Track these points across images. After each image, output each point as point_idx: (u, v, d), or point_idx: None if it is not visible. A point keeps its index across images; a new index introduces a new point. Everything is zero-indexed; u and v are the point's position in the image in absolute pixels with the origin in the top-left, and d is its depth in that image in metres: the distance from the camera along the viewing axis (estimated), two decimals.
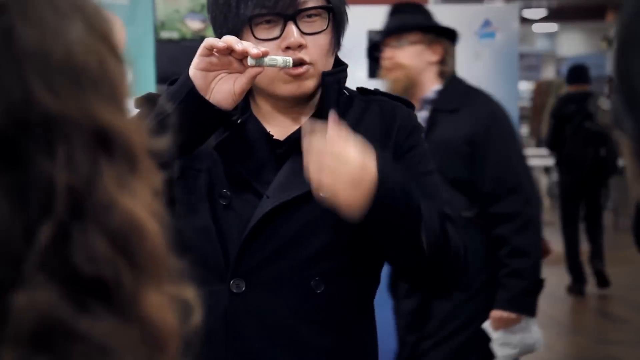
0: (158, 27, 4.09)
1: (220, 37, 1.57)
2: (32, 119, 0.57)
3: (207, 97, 1.51)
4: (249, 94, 1.68)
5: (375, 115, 1.70)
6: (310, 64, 1.59)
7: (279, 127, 1.67)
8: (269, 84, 1.62)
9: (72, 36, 0.60)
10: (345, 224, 1.59)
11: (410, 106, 1.76)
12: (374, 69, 3.97)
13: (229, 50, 1.49)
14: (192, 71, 1.51)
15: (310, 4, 1.58)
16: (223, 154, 1.63)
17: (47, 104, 0.58)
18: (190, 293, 0.70)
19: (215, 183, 1.63)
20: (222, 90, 1.51)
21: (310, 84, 1.61)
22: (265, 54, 1.48)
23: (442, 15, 4.05)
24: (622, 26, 0.62)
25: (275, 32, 1.58)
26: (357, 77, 3.94)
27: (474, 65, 3.95)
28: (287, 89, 1.60)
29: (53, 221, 0.57)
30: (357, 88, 1.78)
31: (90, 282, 0.58)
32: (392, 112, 1.72)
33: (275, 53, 1.56)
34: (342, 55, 3.92)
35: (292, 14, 1.57)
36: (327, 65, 1.64)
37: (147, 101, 1.56)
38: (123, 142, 0.61)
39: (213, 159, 1.64)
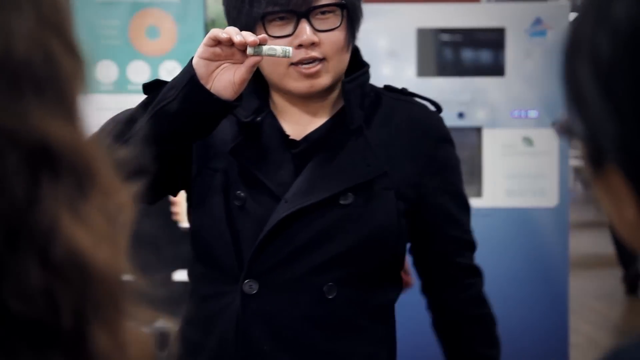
0: (209, 24, 4.12)
1: None
2: None
3: (208, 86, 1.50)
4: (267, 92, 1.68)
5: (403, 118, 1.69)
6: (323, 59, 1.58)
7: (296, 125, 1.66)
8: (280, 80, 1.61)
9: (16, 28, 0.53)
10: (361, 233, 1.60)
11: (439, 108, 1.75)
12: (424, 67, 3.96)
13: (232, 42, 1.48)
14: (196, 59, 1.51)
15: (323, 1, 1.57)
16: (238, 156, 1.63)
17: None
18: (164, 320, 0.60)
19: (231, 184, 1.63)
20: (223, 79, 1.50)
21: (323, 80, 1.60)
22: (263, 41, 1.48)
23: (493, 13, 4.02)
24: (568, 29, 0.64)
25: (288, 29, 1.57)
26: (406, 76, 3.93)
27: (524, 64, 3.92)
28: (300, 86, 1.60)
29: None
30: (385, 86, 1.77)
31: (23, 323, 0.50)
32: (420, 116, 1.71)
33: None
34: (392, 53, 3.91)
35: (305, 11, 1.56)
36: (342, 61, 1.62)
37: (155, 87, 1.57)
38: (71, 158, 0.53)
39: (229, 159, 1.64)
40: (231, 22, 1.62)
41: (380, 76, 3.89)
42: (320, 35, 1.57)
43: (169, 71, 3.96)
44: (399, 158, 1.65)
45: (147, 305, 0.58)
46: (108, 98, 3.99)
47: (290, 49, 1.50)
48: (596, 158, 0.62)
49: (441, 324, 1.77)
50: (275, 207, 1.60)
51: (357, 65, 1.70)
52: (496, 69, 3.97)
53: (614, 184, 0.62)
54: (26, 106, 0.52)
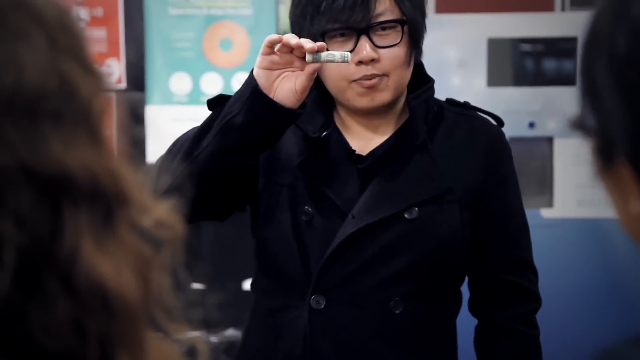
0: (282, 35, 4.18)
1: None
2: None
3: (270, 96, 1.51)
4: (333, 107, 1.69)
5: (465, 132, 1.69)
6: (383, 75, 1.59)
7: (361, 140, 1.68)
8: (342, 95, 1.62)
9: (26, 58, 0.52)
10: (427, 247, 1.61)
11: (501, 123, 1.75)
12: (494, 77, 3.95)
13: (290, 48, 1.50)
14: (256, 70, 1.53)
15: (383, 18, 1.58)
16: (305, 171, 1.65)
17: None
18: (193, 336, 0.60)
19: (298, 199, 1.65)
20: (285, 88, 1.52)
21: (385, 96, 1.61)
22: (321, 49, 1.48)
23: (566, 22, 3.99)
24: (587, 25, 0.65)
25: (349, 45, 1.58)
26: (477, 85, 3.93)
27: None
28: (361, 101, 1.61)
29: None
30: (447, 99, 1.77)
31: (51, 357, 0.51)
32: (482, 130, 1.70)
33: (348, 67, 1.56)
34: (462, 63, 3.92)
35: (364, 28, 1.57)
36: (404, 77, 1.62)
37: (219, 102, 1.59)
38: (91, 184, 0.53)
39: (295, 174, 1.65)
40: None
41: (450, 86, 3.90)
42: (381, 52, 1.58)
43: (242, 82, 4.01)
44: (462, 172, 1.66)
45: (179, 318, 0.58)
46: (182, 109, 4.07)
47: (348, 54, 1.51)
48: (606, 151, 0.64)
49: (481, 337, 1.75)
50: (341, 223, 1.62)
51: (422, 80, 1.70)
52: (568, 79, 3.94)
53: (622, 178, 0.63)
54: (43, 137, 0.52)
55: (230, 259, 4.13)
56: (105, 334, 0.53)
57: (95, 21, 4.12)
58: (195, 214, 1.60)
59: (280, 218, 1.65)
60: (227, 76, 4.13)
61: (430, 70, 3.90)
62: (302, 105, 1.55)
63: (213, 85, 4.12)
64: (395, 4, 1.59)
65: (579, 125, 0.67)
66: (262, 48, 1.52)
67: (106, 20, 4.13)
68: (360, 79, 1.58)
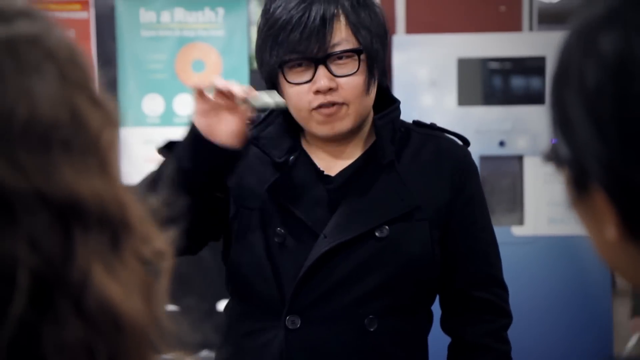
0: (252, 57, 4.20)
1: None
2: None
3: (213, 139, 1.55)
4: (300, 129, 1.71)
5: (432, 152, 1.71)
6: (343, 103, 1.61)
7: (329, 161, 1.70)
8: (305, 124, 1.65)
9: (39, 91, 0.55)
10: (399, 264, 1.63)
11: (466, 143, 1.77)
12: (464, 97, 3.99)
13: (221, 92, 1.53)
14: (194, 118, 1.57)
15: (340, 48, 1.59)
16: (275, 194, 1.67)
17: (6, 180, 0.52)
18: (173, 357, 0.62)
19: (269, 221, 1.66)
20: (225, 130, 1.56)
21: (345, 124, 1.63)
22: (249, 95, 1.53)
23: (534, 42, 4.05)
24: (556, 59, 0.68)
25: (307, 75, 1.60)
26: (447, 104, 3.97)
27: None
28: (322, 129, 1.63)
29: (13, 317, 0.51)
30: (414, 121, 1.79)
31: None
32: (448, 150, 1.72)
33: (307, 96, 1.59)
34: (433, 82, 3.95)
35: (322, 58, 1.59)
36: (364, 104, 1.64)
37: (170, 148, 1.61)
38: (100, 211, 0.55)
39: (265, 198, 1.67)
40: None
41: (421, 105, 3.93)
42: (339, 81, 1.60)
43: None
44: (430, 191, 1.68)
45: (178, 344, 0.60)
46: (155, 131, 4.08)
47: (283, 101, 1.56)
48: (580, 180, 0.66)
49: (454, 354, 1.77)
50: (313, 243, 1.63)
51: (388, 101, 1.72)
52: (537, 98, 3.98)
53: (596, 205, 0.66)
54: (55, 165, 0.54)
55: (203, 280, 4.12)
56: (115, 354, 0.55)
57: None
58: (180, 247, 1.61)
59: (252, 241, 1.67)
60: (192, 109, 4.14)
61: (401, 89, 3.95)
62: (248, 143, 1.60)
63: (186, 107, 4.13)
64: (352, 34, 1.60)
65: (552, 156, 0.70)
66: (194, 95, 1.55)
67: (78, 42, 4.13)
68: (320, 107, 1.60)
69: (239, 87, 1.54)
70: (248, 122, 1.58)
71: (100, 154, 0.58)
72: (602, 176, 0.64)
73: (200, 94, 1.55)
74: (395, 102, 1.73)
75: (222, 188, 1.65)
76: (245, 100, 1.53)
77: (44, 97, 0.55)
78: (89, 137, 0.57)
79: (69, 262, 0.53)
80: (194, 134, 1.56)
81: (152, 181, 1.58)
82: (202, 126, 1.56)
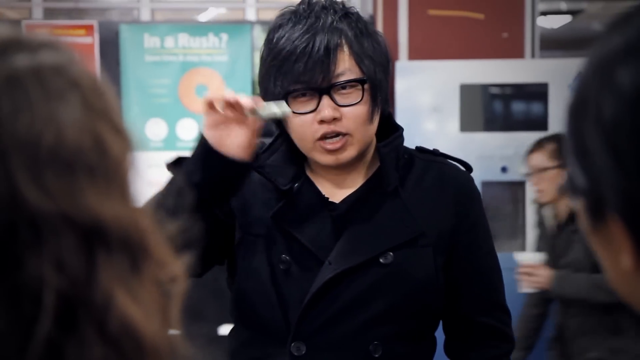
0: (256, 83, 4.23)
1: None
2: (18, 219, 0.54)
3: (223, 151, 1.55)
4: (304, 157, 1.72)
5: (435, 178, 1.71)
6: (346, 134, 1.61)
7: (333, 189, 1.70)
8: (308, 153, 1.65)
9: (65, 118, 0.57)
10: (403, 290, 1.63)
11: (469, 169, 1.77)
12: (467, 122, 4.01)
13: (230, 105, 1.53)
14: (204, 131, 1.57)
15: (344, 78, 1.59)
16: (280, 221, 1.66)
17: (34, 203, 0.54)
18: None
19: (274, 248, 1.66)
20: (235, 143, 1.55)
21: (349, 153, 1.63)
22: (256, 105, 1.52)
23: (536, 69, 4.07)
24: (574, 91, 0.69)
25: (311, 105, 1.60)
26: (450, 130, 3.98)
27: None
28: (326, 159, 1.63)
29: (39, 336, 0.53)
30: (416, 147, 1.79)
31: None
32: (451, 176, 1.72)
33: (311, 126, 1.59)
34: (435, 108, 3.95)
35: (326, 88, 1.59)
36: (367, 133, 1.64)
37: (179, 164, 1.62)
38: (123, 235, 0.57)
39: (270, 224, 1.67)
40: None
41: (424, 131, 3.95)
42: (343, 110, 1.60)
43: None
44: (434, 217, 1.68)
45: None
46: (158, 155, 4.09)
47: (289, 111, 1.55)
48: (596, 209, 0.67)
49: None
50: (318, 270, 1.63)
51: (391, 128, 1.73)
52: (539, 124, 4.00)
53: (612, 234, 0.66)
54: (80, 189, 0.56)
55: (205, 304, 4.12)
56: None
57: None
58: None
59: (257, 268, 1.66)
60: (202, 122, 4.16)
61: (404, 115, 3.96)
62: (257, 156, 1.60)
63: (189, 131, 4.15)
64: (356, 63, 1.60)
65: (568, 187, 0.70)
66: (203, 108, 1.55)
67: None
68: (324, 138, 1.60)
69: (247, 98, 1.54)
70: (257, 134, 1.58)
71: (121, 179, 0.60)
72: (619, 204, 0.64)
73: (210, 106, 1.56)
74: (399, 130, 1.73)
75: (226, 206, 1.65)
76: (253, 111, 1.54)
77: (69, 123, 0.57)
78: (111, 163, 0.59)
79: (93, 284, 0.55)
80: (204, 146, 1.56)
81: (163, 198, 1.58)
82: (212, 139, 1.56)
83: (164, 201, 1.56)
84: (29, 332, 0.53)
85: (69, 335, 0.54)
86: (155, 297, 0.59)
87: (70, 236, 0.54)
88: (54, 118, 0.56)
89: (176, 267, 0.62)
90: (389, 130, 1.72)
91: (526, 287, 3.16)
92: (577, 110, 0.69)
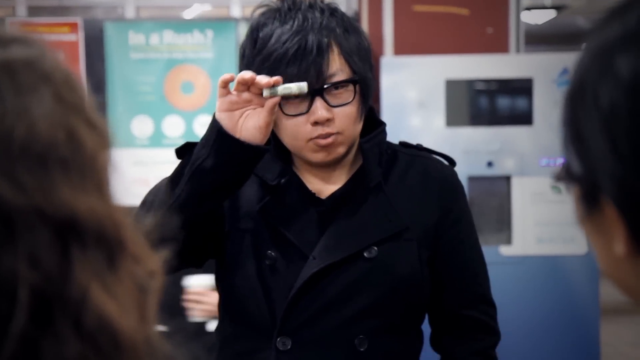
0: None
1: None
2: None
3: (237, 135, 1.52)
4: (289, 154, 1.72)
5: (419, 173, 1.72)
6: (338, 133, 1.61)
7: (319, 185, 1.71)
8: (299, 152, 1.65)
9: (37, 112, 0.56)
10: (388, 284, 1.64)
11: (453, 163, 1.78)
12: (452, 118, 4.02)
13: (246, 86, 1.51)
14: (217, 114, 1.54)
15: (336, 78, 1.60)
16: (266, 216, 1.67)
17: (7, 197, 0.53)
18: None
19: (260, 244, 1.66)
20: (249, 126, 1.53)
21: (340, 150, 1.64)
22: (277, 83, 1.50)
23: (521, 64, 4.08)
24: (571, 78, 0.70)
25: (303, 107, 1.59)
26: (436, 125, 3.99)
27: (552, 113, 3.97)
28: (318, 157, 1.63)
29: (14, 332, 0.52)
30: (400, 142, 1.80)
31: None
32: (435, 170, 1.73)
33: (304, 127, 1.59)
34: (421, 104, 3.96)
35: (319, 89, 1.59)
36: (355, 130, 1.65)
37: (187, 150, 1.61)
38: (97, 229, 0.56)
39: (257, 219, 1.67)
40: None
41: (409, 126, 3.96)
42: (335, 110, 1.60)
43: (203, 125, 4.04)
44: (418, 211, 1.69)
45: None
46: (144, 152, 4.09)
47: (304, 85, 1.52)
48: (591, 195, 0.68)
49: None
50: (303, 265, 1.64)
51: (373, 123, 1.73)
52: (525, 119, 4.01)
53: (606, 221, 0.67)
54: (53, 183, 0.55)
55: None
56: None
57: None
58: (177, 263, 1.61)
59: (244, 264, 1.67)
60: (188, 119, 4.16)
61: (389, 111, 3.97)
62: (269, 141, 1.58)
63: (175, 128, 4.15)
64: (346, 63, 1.60)
65: (562, 174, 0.71)
66: (218, 90, 1.53)
67: (67, 64, 4.13)
68: (316, 137, 1.61)
69: (263, 76, 1.51)
70: (273, 113, 1.55)
71: (96, 174, 0.59)
72: (614, 190, 0.65)
73: (224, 86, 1.53)
74: (381, 125, 1.74)
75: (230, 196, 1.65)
76: (272, 90, 1.51)
77: (41, 117, 0.56)
78: (85, 158, 0.58)
79: (68, 279, 0.54)
80: (218, 131, 1.53)
81: (167, 189, 1.57)
82: (226, 122, 1.53)
83: (172, 188, 1.55)
84: (3, 328, 0.52)
85: (44, 330, 0.54)
86: (132, 292, 0.58)
87: (45, 231, 0.54)
88: (25, 112, 0.56)
89: (153, 262, 0.61)
90: (371, 125, 1.73)
91: (195, 315, 2.83)
92: (575, 97, 0.69)
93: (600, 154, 0.66)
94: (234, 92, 1.52)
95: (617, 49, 0.66)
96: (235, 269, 1.68)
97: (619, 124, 0.64)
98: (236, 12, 4.62)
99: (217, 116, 1.53)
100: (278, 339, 1.64)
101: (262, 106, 1.52)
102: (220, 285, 1.74)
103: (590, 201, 0.69)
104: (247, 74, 1.50)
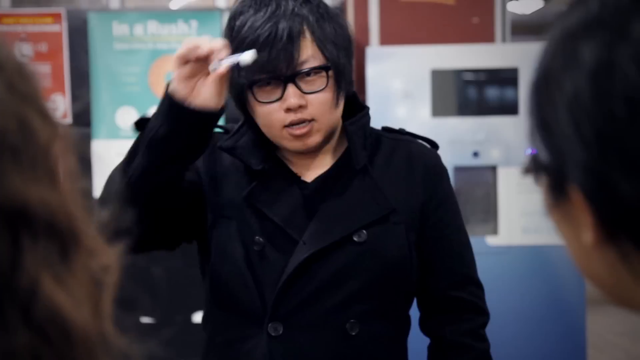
0: None
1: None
2: None
3: (193, 103, 1.53)
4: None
5: (403, 156, 1.73)
6: (312, 120, 1.62)
7: (304, 169, 1.71)
8: (276, 140, 1.65)
9: None
10: (377, 267, 1.64)
11: (435, 146, 1.79)
12: (438, 108, 4.01)
13: (203, 58, 1.51)
14: (172, 86, 1.54)
15: (308, 65, 1.60)
16: (253, 202, 1.67)
17: None
18: None
19: (248, 230, 1.67)
20: (202, 92, 1.53)
21: (315, 139, 1.64)
22: (219, 51, 1.50)
23: (507, 53, 4.08)
24: (536, 66, 0.70)
25: (276, 94, 1.60)
26: (421, 115, 3.98)
27: None
28: (294, 145, 1.64)
29: None
30: (383, 127, 1.81)
31: None
32: (419, 154, 1.75)
33: (277, 114, 1.59)
34: (407, 94, 3.96)
35: (290, 76, 1.59)
36: (332, 118, 1.65)
37: (143, 124, 1.60)
38: (49, 220, 0.55)
39: (243, 206, 1.67)
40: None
41: (395, 116, 3.95)
42: (308, 97, 1.61)
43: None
44: (404, 194, 1.70)
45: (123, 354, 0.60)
46: (128, 143, 4.07)
47: (249, 53, 1.53)
48: (558, 184, 0.67)
49: (433, 354, 1.78)
50: (293, 250, 1.64)
51: (357, 107, 1.74)
52: (510, 108, 4.01)
53: (573, 210, 0.67)
54: (4, 172, 0.54)
55: (179, 293, 4.11)
56: None
57: (39, 56, 4.10)
58: (144, 242, 1.61)
59: (232, 251, 1.67)
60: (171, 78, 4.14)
61: (375, 101, 3.96)
62: (223, 107, 1.59)
63: None
64: (319, 49, 1.60)
65: (530, 166, 0.71)
66: (175, 61, 1.53)
67: (51, 56, 4.11)
68: (291, 125, 1.61)
69: (207, 45, 1.51)
70: (226, 80, 1.55)
71: (49, 165, 0.57)
72: (581, 178, 0.65)
73: (181, 60, 1.53)
74: (365, 109, 1.74)
75: (191, 173, 1.64)
76: (216, 64, 1.51)
77: None
78: (37, 148, 0.57)
79: (17, 270, 0.53)
80: (170, 100, 1.54)
81: (127, 161, 1.57)
82: (181, 92, 1.53)
83: (132, 158, 1.55)
84: None
85: None
86: (86, 286, 0.57)
87: None
88: None
89: (109, 256, 0.60)
90: (354, 109, 1.73)
91: None
92: (540, 85, 0.69)
93: (566, 141, 0.65)
94: (190, 62, 1.53)
95: (579, 35, 0.66)
96: (223, 257, 1.68)
97: (583, 109, 0.64)
98: (221, 2, 4.60)
99: (171, 88, 1.54)
100: (269, 325, 1.65)
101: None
102: (207, 274, 1.74)
103: (557, 190, 0.68)
104: (191, 43, 1.51)
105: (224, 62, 1.51)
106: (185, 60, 1.52)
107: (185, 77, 1.53)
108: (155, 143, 1.53)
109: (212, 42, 1.52)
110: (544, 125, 0.68)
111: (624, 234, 0.64)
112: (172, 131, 1.52)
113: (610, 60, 0.63)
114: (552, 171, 0.68)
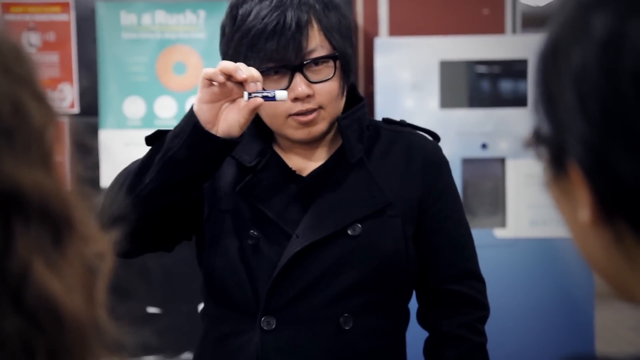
0: None
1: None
2: None
3: (214, 129, 1.52)
4: (271, 132, 1.71)
5: (402, 148, 1.72)
6: (319, 108, 1.62)
7: (300, 163, 1.71)
8: (279, 129, 1.65)
9: None
10: (372, 261, 1.63)
11: (436, 138, 1.78)
12: (447, 99, 3.99)
13: (228, 77, 1.50)
14: (197, 106, 1.53)
15: (315, 54, 1.60)
16: (247, 196, 1.66)
17: None
18: None
19: (242, 224, 1.66)
20: (229, 119, 1.53)
21: (320, 127, 1.64)
22: (253, 79, 1.49)
23: (516, 45, 4.06)
24: (545, 38, 0.68)
25: (284, 83, 1.59)
26: (430, 107, 3.97)
27: None
28: (298, 134, 1.63)
29: None
30: (383, 119, 1.80)
31: None
32: (419, 146, 1.73)
33: (284, 103, 1.58)
34: (415, 85, 3.95)
35: (298, 65, 1.59)
36: (338, 107, 1.65)
37: (157, 138, 1.60)
38: (42, 204, 0.55)
39: (237, 199, 1.67)
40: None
41: (403, 108, 3.93)
42: (315, 87, 1.60)
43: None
44: (402, 187, 1.69)
45: (118, 350, 0.59)
46: (136, 133, 4.06)
47: (285, 93, 1.52)
48: (558, 158, 0.66)
49: (429, 347, 1.77)
50: (286, 244, 1.64)
51: (354, 99, 1.73)
52: (520, 100, 3.99)
53: (571, 185, 0.65)
54: None
55: (185, 283, 4.11)
56: (55, 350, 0.54)
57: (47, 46, 4.09)
58: (138, 248, 1.61)
59: (226, 244, 1.67)
60: (181, 100, 4.13)
61: (383, 92, 3.94)
62: (242, 134, 1.58)
63: (167, 109, 4.12)
64: (326, 39, 1.61)
65: (533, 138, 0.69)
66: (201, 81, 1.52)
67: (59, 45, 4.11)
68: (297, 114, 1.60)
69: (242, 67, 1.50)
70: (254, 112, 1.54)
71: (43, 149, 0.57)
72: (581, 153, 0.63)
73: (209, 79, 1.52)
74: (361, 100, 1.74)
75: (199, 187, 1.64)
76: (249, 94, 1.50)
77: None
78: (32, 131, 0.56)
79: (8, 254, 0.52)
80: (194, 124, 1.53)
81: (137, 174, 1.56)
82: (206, 115, 1.53)
83: (140, 174, 1.55)
84: None
85: None
86: (79, 272, 0.56)
87: None
88: None
89: (102, 244, 0.59)
90: (352, 101, 1.73)
91: None
92: (547, 56, 0.68)
93: (569, 114, 0.64)
94: (216, 84, 1.52)
95: (592, 5, 0.64)
96: (217, 250, 1.68)
97: (589, 82, 0.62)
98: None
99: (196, 108, 1.53)
100: (262, 319, 1.64)
101: (242, 96, 1.52)
102: (202, 268, 1.73)
103: (557, 165, 0.67)
104: (230, 64, 1.49)
105: (257, 94, 1.50)
106: (211, 82, 1.51)
107: (210, 98, 1.52)
108: (173, 164, 1.52)
109: (250, 69, 1.51)
110: (548, 96, 0.66)
111: (620, 214, 0.63)
112: (191, 154, 1.52)
113: (622, 32, 0.61)
114: (552, 145, 0.67)
